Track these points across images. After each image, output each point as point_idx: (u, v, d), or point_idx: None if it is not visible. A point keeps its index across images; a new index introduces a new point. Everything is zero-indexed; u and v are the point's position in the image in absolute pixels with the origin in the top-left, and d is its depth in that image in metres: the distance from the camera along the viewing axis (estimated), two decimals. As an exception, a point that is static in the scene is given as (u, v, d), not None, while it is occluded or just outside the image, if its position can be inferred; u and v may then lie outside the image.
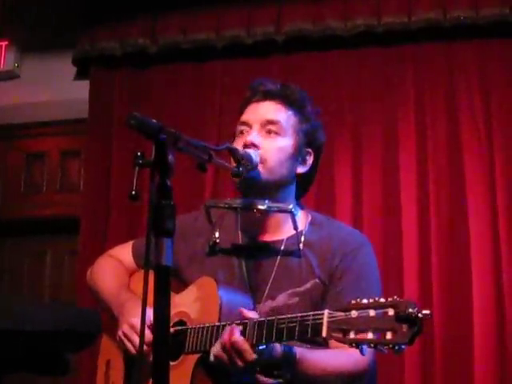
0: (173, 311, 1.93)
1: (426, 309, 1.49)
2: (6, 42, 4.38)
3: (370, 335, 1.52)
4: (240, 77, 3.92)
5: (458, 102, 3.65)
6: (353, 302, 1.58)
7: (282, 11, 3.86)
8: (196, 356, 1.89)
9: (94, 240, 3.90)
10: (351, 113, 3.78)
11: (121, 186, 3.88)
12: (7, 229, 4.42)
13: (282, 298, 1.99)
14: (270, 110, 2.09)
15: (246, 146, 2.02)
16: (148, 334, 1.76)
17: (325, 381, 1.88)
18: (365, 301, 1.56)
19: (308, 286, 2.00)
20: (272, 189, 2.04)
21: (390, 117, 3.72)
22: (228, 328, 1.79)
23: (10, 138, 4.45)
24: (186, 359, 1.91)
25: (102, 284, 2.22)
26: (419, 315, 1.48)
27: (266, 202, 1.99)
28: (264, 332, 1.74)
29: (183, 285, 2.07)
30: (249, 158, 1.97)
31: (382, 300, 1.54)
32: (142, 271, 1.50)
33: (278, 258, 2.05)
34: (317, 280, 2.00)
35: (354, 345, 1.55)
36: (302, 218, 2.10)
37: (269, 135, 2.05)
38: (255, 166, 1.98)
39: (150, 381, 1.45)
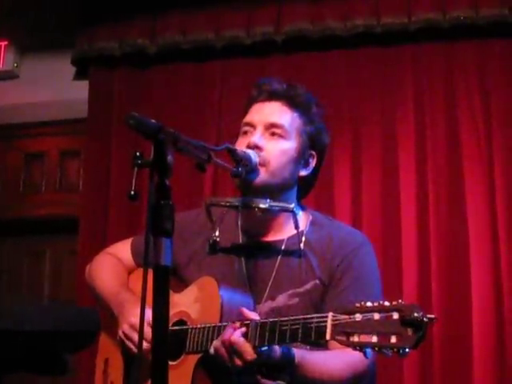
0: (173, 311, 1.94)
1: (425, 310, 1.49)
2: (6, 42, 4.38)
3: (374, 338, 1.52)
4: (240, 77, 3.93)
5: (457, 102, 3.65)
6: (357, 305, 1.58)
7: (281, 11, 3.86)
8: (197, 356, 1.88)
9: (93, 240, 3.90)
10: (350, 113, 3.78)
11: (120, 185, 3.88)
12: (6, 228, 4.42)
13: (282, 299, 1.99)
14: (274, 111, 2.07)
15: (249, 147, 2.01)
16: (148, 333, 1.76)
17: (324, 382, 1.87)
18: (369, 304, 1.56)
19: (308, 286, 1.99)
20: (274, 191, 2.03)
21: (390, 117, 3.73)
22: (230, 325, 1.78)
23: (9, 137, 4.45)
24: (187, 359, 1.91)
25: (100, 282, 2.22)
26: (425, 319, 1.47)
27: (268, 200, 1.98)
28: (266, 334, 1.73)
29: (183, 284, 2.07)
30: (248, 159, 1.96)
31: (387, 303, 1.53)
32: (141, 269, 1.50)
33: (279, 257, 2.04)
34: (317, 281, 1.99)
35: (357, 348, 1.55)
36: (303, 218, 2.10)
37: (272, 137, 2.04)
38: (254, 167, 1.98)
39: (150, 380, 1.45)
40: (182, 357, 1.93)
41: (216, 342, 1.80)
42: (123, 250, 2.27)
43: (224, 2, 3.95)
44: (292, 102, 2.09)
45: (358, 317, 1.55)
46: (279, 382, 1.84)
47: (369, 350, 1.55)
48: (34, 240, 4.44)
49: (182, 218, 2.12)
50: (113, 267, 2.24)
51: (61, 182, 4.36)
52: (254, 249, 2.08)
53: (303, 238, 2.03)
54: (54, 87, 4.26)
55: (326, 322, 1.62)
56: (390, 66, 3.79)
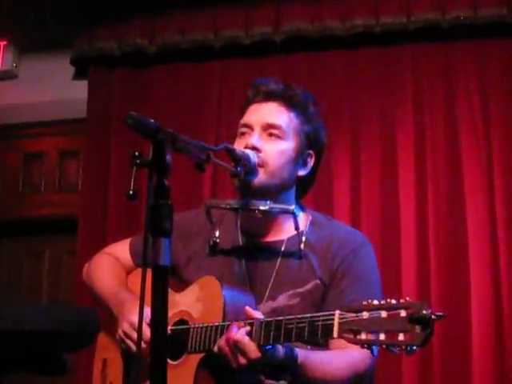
0: (174, 310, 1.95)
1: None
2: (5, 42, 4.38)
3: (381, 336, 1.52)
4: (239, 77, 3.93)
5: (456, 102, 3.65)
6: (364, 303, 1.58)
7: (280, 11, 3.86)
8: (199, 356, 1.88)
9: (92, 240, 3.90)
10: (350, 113, 3.78)
11: (119, 185, 3.88)
12: (6, 229, 4.42)
13: (282, 299, 1.99)
14: (271, 112, 2.07)
15: (246, 148, 2.01)
16: (147, 332, 1.76)
17: (326, 382, 1.87)
18: (376, 302, 1.56)
19: (309, 286, 1.99)
20: (272, 192, 2.03)
21: (389, 117, 3.73)
22: (235, 324, 1.79)
23: (8, 137, 4.45)
24: (189, 359, 1.91)
25: (99, 282, 2.22)
26: (433, 317, 1.48)
27: (268, 202, 1.98)
28: (271, 332, 1.73)
29: (183, 284, 2.07)
30: (247, 159, 1.96)
31: (394, 301, 1.53)
32: (140, 269, 1.50)
33: (279, 258, 2.04)
34: (317, 281, 2.00)
35: (365, 346, 1.55)
36: (303, 219, 2.10)
37: (270, 138, 2.04)
38: (253, 167, 1.98)
39: (149, 380, 1.45)
40: (184, 356, 1.92)
41: (220, 341, 1.80)
42: (122, 250, 2.27)
43: (223, 2, 3.95)
44: (289, 102, 2.08)
45: (365, 315, 1.55)
46: (282, 381, 1.85)
47: (375, 348, 1.56)
48: (34, 240, 4.44)
49: (181, 219, 2.12)
50: (111, 267, 2.24)
51: (60, 182, 4.36)
52: (254, 250, 2.08)
53: (303, 239, 2.03)
54: (53, 87, 4.26)
55: (333, 319, 1.62)
56: (390, 66, 3.79)
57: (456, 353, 3.39)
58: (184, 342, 1.92)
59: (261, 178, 2.00)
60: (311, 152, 2.11)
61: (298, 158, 2.08)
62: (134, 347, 1.97)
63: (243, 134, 2.08)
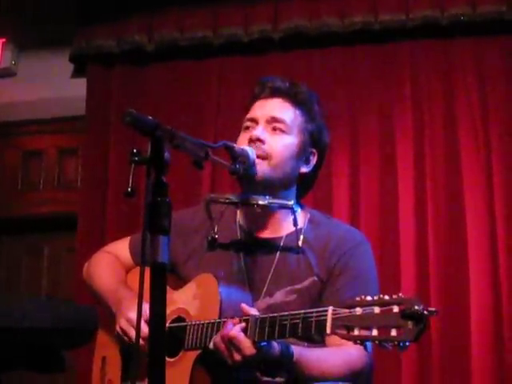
0: (171, 308, 1.95)
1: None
2: (3, 40, 4.37)
3: (374, 332, 1.52)
4: (237, 74, 3.93)
5: (455, 99, 3.65)
6: (357, 299, 1.59)
7: (278, 8, 3.86)
8: (196, 353, 1.89)
9: (91, 237, 3.90)
10: (348, 110, 3.78)
11: (118, 183, 3.88)
12: (5, 226, 4.42)
13: (279, 295, 2.00)
14: (276, 107, 2.10)
15: (251, 140, 2.03)
16: (145, 328, 1.76)
17: (322, 379, 1.88)
18: (369, 298, 1.57)
19: (306, 283, 2.00)
20: (274, 186, 2.04)
21: (387, 114, 3.72)
22: (230, 321, 1.79)
23: (6, 135, 4.44)
24: (186, 356, 1.91)
25: (99, 280, 2.22)
26: (425, 312, 1.48)
27: (267, 197, 2.00)
28: (266, 329, 1.74)
29: (182, 281, 2.07)
30: (246, 155, 1.97)
31: (387, 297, 1.54)
32: (139, 268, 1.50)
33: (277, 254, 2.05)
34: (315, 278, 2.01)
35: (358, 341, 1.55)
36: (302, 216, 2.11)
37: (274, 132, 2.06)
38: (252, 164, 1.98)
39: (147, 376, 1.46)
40: (181, 353, 1.93)
41: (216, 338, 1.81)
42: (121, 248, 2.28)
43: (221, -1, 3.96)
44: (294, 99, 2.11)
45: (359, 310, 1.56)
46: (278, 378, 1.85)
47: (369, 344, 1.56)
48: (33, 237, 4.44)
49: (180, 216, 2.13)
50: (111, 265, 2.25)
51: (59, 180, 4.35)
52: (253, 246, 2.09)
53: (301, 236, 2.04)
54: (52, 85, 4.26)
55: (326, 315, 1.63)
56: (388, 63, 3.79)
57: (455, 350, 3.39)
58: (181, 339, 1.93)
59: (264, 170, 2.01)
60: (314, 150, 2.13)
61: (301, 155, 2.09)
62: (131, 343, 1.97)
63: (247, 128, 2.10)
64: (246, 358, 1.75)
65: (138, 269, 2.17)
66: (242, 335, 1.75)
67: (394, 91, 3.75)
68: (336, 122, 3.66)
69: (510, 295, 3.38)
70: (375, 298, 1.56)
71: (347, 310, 1.58)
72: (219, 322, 1.84)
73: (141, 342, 1.78)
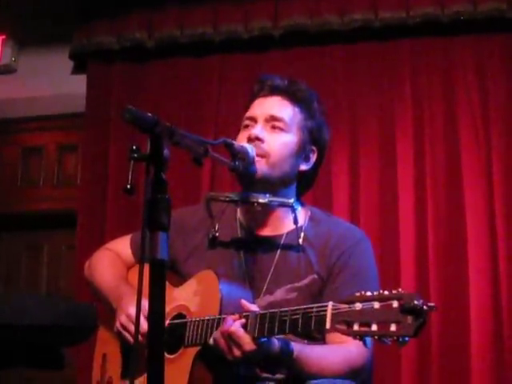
0: (172, 305, 1.96)
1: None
2: (3, 37, 4.38)
3: (374, 327, 1.52)
4: (238, 71, 3.93)
5: (455, 97, 3.65)
6: (357, 294, 1.59)
7: (279, 6, 3.85)
8: (195, 349, 1.89)
9: (91, 234, 3.90)
10: (348, 107, 3.78)
11: (118, 180, 3.88)
12: (4, 223, 4.42)
13: (280, 293, 2.00)
14: (275, 105, 2.10)
15: (250, 139, 2.03)
16: (144, 325, 1.76)
17: (322, 376, 1.87)
18: (369, 293, 1.57)
19: (306, 281, 2.00)
20: (274, 184, 2.04)
21: (388, 112, 3.72)
22: (230, 317, 1.79)
23: (6, 132, 4.44)
24: (186, 352, 1.91)
25: (100, 277, 2.23)
26: (425, 307, 1.48)
27: (267, 195, 2.00)
28: (266, 325, 1.74)
29: (182, 279, 2.08)
30: (245, 153, 1.97)
31: (387, 292, 1.54)
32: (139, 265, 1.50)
33: (278, 252, 2.05)
34: (315, 276, 2.01)
35: (358, 337, 1.55)
36: (302, 214, 2.11)
37: (273, 130, 2.07)
38: (252, 161, 1.99)
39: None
40: (181, 350, 1.93)
41: (216, 333, 1.81)
42: (123, 245, 2.28)
43: (222, -4, 3.95)
44: (293, 97, 2.11)
45: (358, 306, 1.56)
46: (277, 375, 1.85)
47: (369, 340, 1.56)
48: (32, 235, 4.45)
49: (181, 214, 2.13)
50: (112, 262, 2.25)
51: (58, 177, 4.36)
52: (253, 243, 2.09)
53: (302, 234, 2.04)
54: (52, 81, 4.26)
55: (325, 311, 1.63)
56: (388, 61, 3.79)
57: (454, 348, 3.39)
58: (181, 335, 1.93)
59: (263, 168, 2.02)
60: (314, 148, 2.13)
61: (301, 152, 2.09)
62: (131, 339, 1.97)
63: (247, 126, 2.11)
64: (246, 353, 1.75)
65: (138, 266, 2.17)
66: (241, 331, 1.75)
67: (394, 89, 3.74)
68: (336, 120, 3.66)
69: (510, 294, 3.37)
70: (375, 293, 1.56)
71: (347, 306, 1.59)
72: (219, 319, 1.84)
73: (140, 338, 1.79)
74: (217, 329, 1.82)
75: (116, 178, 3.91)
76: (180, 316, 1.99)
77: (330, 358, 1.92)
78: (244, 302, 1.83)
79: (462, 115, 3.61)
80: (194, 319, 1.92)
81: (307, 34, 3.81)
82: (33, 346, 1.70)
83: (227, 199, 2.06)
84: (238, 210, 2.16)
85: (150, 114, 1.52)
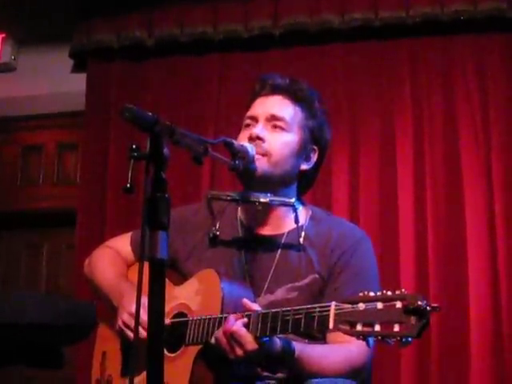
0: (173, 303, 1.96)
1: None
2: (3, 35, 4.38)
3: (377, 327, 1.52)
4: (237, 70, 3.93)
5: (455, 96, 3.65)
6: (360, 294, 1.59)
7: (279, 5, 3.85)
8: (197, 348, 1.89)
9: (90, 233, 3.90)
10: (348, 107, 3.78)
11: (118, 178, 3.88)
12: (4, 222, 4.42)
13: (280, 293, 2.00)
14: (276, 104, 2.10)
15: (251, 139, 2.03)
16: (146, 323, 1.76)
17: (323, 376, 1.87)
18: (372, 293, 1.57)
19: (307, 280, 2.00)
20: (274, 183, 2.04)
21: (387, 111, 3.72)
22: (232, 316, 1.79)
23: (6, 130, 4.44)
24: (187, 351, 1.91)
25: (100, 275, 2.22)
26: (428, 308, 1.48)
27: (268, 195, 2.00)
28: (268, 324, 1.74)
29: (183, 278, 2.07)
30: (245, 152, 1.97)
31: (390, 293, 1.54)
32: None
33: (279, 251, 2.05)
34: (316, 275, 2.01)
35: (361, 337, 1.55)
36: (303, 213, 2.11)
37: (274, 129, 2.06)
38: (252, 160, 1.99)
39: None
40: (182, 349, 1.93)
41: (217, 332, 1.81)
42: (123, 243, 2.28)
43: (221, -5, 3.95)
44: (294, 96, 2.11)
45: (361, 306, 1.56)
46: (279, 374, 1.85)
47: (371, 340, 1.56)
48: (32, 233, 4.45)
49: (181, 213, 2.13)
50: (112, 260, 2.25)
51: (58, 175, 4.36)
52: (254, 242, 2.09)
53: (303, 233, 2.04)
54: (52, 80, 4.25)
55: (328, 311, 1.63)
56: (388, 60, 3.79)
57: (454, 348, 3.39)
58: (182, 334, 1.92)
59: (264, 167, 2.01)
60: (315, 147, 2.13)
61: (302, 152, 2.09)
62: (133, 337, 1.97)
63: (248, 125, 2.11)
64: (248, 353, 1.75)
65: (138, 264, 2.17)
66: (243, 330, 1.75)
67: (393, 88, 3.74)
68: (335, 119, 3.65)
69: (509, 294, 3.38)
70: (378, 293, 1.56)
71: (350, 306, 1.59)
72: (221, 318, 1.84)
73: (143, 332, 1.78)
74: (218, 328, 1.82)
75: (116, 176, 3.91)
76: (181, 315, 1.98)
77: (331, 357, 1.91)
78: (246, 301, 1.83)
79: (462, 115, 3.61)
80: (195, 318, 1.92)
81: (307, 33, 3.81)
82: (32, 344, 1.70)
83: (228, 198, 2.06)
84: (239, 209, 2.15)
85: (149, 113, 1.52)
